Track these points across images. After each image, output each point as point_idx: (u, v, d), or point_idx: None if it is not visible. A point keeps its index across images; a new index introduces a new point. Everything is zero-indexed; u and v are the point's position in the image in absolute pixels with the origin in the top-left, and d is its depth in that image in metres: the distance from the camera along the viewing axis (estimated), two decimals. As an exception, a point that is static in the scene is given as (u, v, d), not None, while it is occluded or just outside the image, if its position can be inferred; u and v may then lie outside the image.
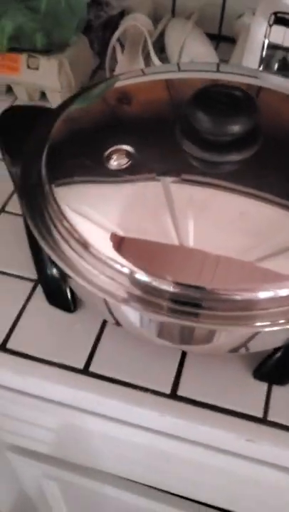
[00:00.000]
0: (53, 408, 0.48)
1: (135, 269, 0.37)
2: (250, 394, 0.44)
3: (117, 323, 0.42)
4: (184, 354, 0.46)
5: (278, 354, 0.43)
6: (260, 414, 0.43)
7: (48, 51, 0.65)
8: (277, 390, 0.44)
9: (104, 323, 0.47)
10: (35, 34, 0.63)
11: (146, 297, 0.37)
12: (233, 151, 0.40)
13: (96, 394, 0.44)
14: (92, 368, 0.45)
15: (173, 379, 0.44)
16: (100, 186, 0.42)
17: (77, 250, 0.39)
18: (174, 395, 0.44)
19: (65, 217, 0.40)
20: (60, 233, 0.40)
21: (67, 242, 0.39)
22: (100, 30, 0.74)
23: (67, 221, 0.39)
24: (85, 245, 0.38)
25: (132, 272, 0.37)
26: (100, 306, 0.41)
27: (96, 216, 0.39)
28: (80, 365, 0.45)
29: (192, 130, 0.40)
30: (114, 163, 0.41)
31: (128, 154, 0.42)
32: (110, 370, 0.45)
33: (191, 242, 0.38)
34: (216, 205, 0.39)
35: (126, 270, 0.37)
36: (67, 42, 0.66)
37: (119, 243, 0.38)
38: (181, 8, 0.80)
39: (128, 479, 0.62)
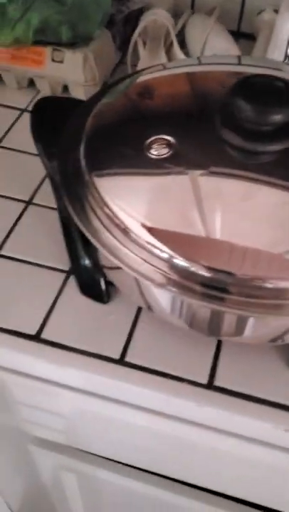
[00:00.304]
0: (87, 399, 0.48)
1: (174, 254, 0.37)
2: (287, 384, 0.44)
3: (153, 309, 0.43)
4: (219, 343, 0.46)
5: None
6: (297, 404, 0.43)
7: (72, 44, 0.65)
8: (312, 380, 0.44)
9: (138, 313, 0.48)
10: (61, 27, 0.63)
11: (183, 282, 0.37)
12: (275, 140, 0.40)
13: (133, 384, 0.44)
14: (127, 358, 0.45)
15: (209, 369, 0.45)
16: (139, 176, 0.42)
17: (117, 236, 0.39)
18: (210, 385, 0.44)
19: (106, 205, 0.40)
20: (100, 220, 0.40)
21: (107, 228, 0.40)
22: (122, 25, 0.74)
23: (109, 208, 0.40)
24: (125, 231, 0.39)
25: (170, 257, 0.37)
26: (136, 291, 0.41)
27: (136, 204, 0.40)
28: (116, 355, 0.45)
29: (233, 120, 0.40)
30: (154, 152, 0.41)
31: (168, 144, 0.42)
32: (146, 360, 0.45)
33: (230, 231, 0.38)
34: (257, 195, 0.40)
35: (165, 255, 0.37)
36: (92, 35, 0.66)
37: (158, 230, 0.38)
38: (201, 3, 0.80)
39: (153, 473, 0.62)
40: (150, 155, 0.41)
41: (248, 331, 0.41)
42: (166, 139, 0.42)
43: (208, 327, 0.42)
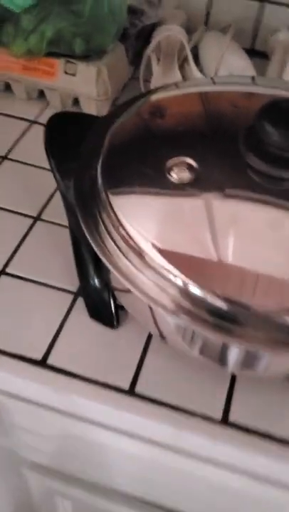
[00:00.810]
0: (94, 429, 0.46)
1: (189, 281, 0.35)
2: (306, 421, 0.42)
3: (165, 337, 0.41)
4: (234, 375, 0.44)
5: None
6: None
7: (85, 57, 0.63)
8: None
9: (148, 340, 0.45)
10: (75, 39, 0.61)
11: (196, 312, 0.35)
12: None
13: (142, 416, 0.42)
14: (138, 388, 0.43)
15: (224, 403, 0.42)
16: (158, 198, 0.40)
17: (131, 259, 0.37)
18: (225, 421, 0.42)
19: (121, 225, 0.38)
20: (115, 242, 0.38)
21: (121, 251, 0.38)
22: (134, 40, 0.72)
23: (124, 229, 0.38)
24: (139, 254, 0.37)
25: (184, 283, 0.35)
26: (148, 317, 0.39)
27: (153, 227, 0.38)
28: (126, 385, 0.43)
29: (259, 144, 0.39)
30: (174, 175, 0.39)
31: (189, 167, 0.40)
32: (157, 391, 0.43)
33: (249, 260, 0.36)
34: (282, 224, 0.38)
35: (179, 282, 0.35)
36: (106, 48, 0.64)
37: (175, 256, 0.36)
38: (215, 20, 0.79)
39: (156, 505, 0.59)
40: (170, 177, 0.39)
41: (261, 366, 0.39)
42: (187, 162, 0.40)
43: (221, 359, 0.40)
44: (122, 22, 0.65)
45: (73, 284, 0.48)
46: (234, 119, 0.45)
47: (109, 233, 0.39)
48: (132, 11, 0.73)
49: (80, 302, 0.48)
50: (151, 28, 0.75)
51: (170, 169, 0.40)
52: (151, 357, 0.44)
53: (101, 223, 0.39)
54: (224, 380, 0.43)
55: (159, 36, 0.70)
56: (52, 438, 0.51)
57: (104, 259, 0.38)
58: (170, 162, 0.40)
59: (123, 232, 0.38)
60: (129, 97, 0.49)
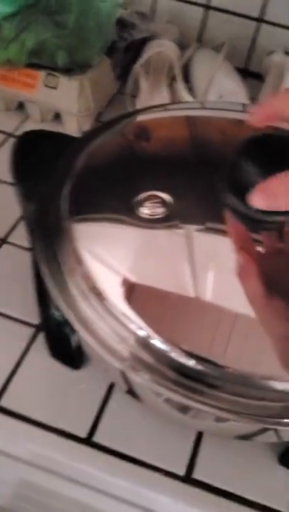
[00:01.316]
0: (47, 477, 0.42)
1: (151, 331, 0.32)
2: (276, 483, 0.38)
3: (127, 391, 0.37)
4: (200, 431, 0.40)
5: (311, 442, 0.38)
6: (286, 509, 0.37)
7: (68, 70, 0.60)
8: (305, 480, 0.39)
9: (111, 385, 0.42)
10: (58, 51, 0.58)
11: (156, 365, 0.32)
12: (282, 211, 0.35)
13: (99, 469, 0.38)
14: (96, 438, 0.39)
15: (188, 459, 0.39)
16: (126, 234, 0.36)
17: (89, 301, 0.34)
18: (188, 478, 0.38)
19: (82, 262, 0.34)
20: (72, 279, 0.35)
21: (79, 289, 0.34)
22: (122, 53, 0.69)
23: (84, 266, 0.34)
24: (99, 296, 0.33)
25: (147, 336, 0.32)
26: (107, 368, 0.36)
27: (117, 267, 0.34)
28: (83, 433, 0.40)
29: (237, 182, 0.35)
30: (146, 210, 0.36)
31: (162, 201, 0.37)
32: (117, 442, 0.39)
33: (217, 312, 0.33)
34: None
35: (140, 332, 0.32)
36: (90, 62, 0.61)
37: (139, 301, 0.33)
38: (209, 37, 0.76)
39: None
40: (141, 213, 0.36)
41: (226, 428, 0.36)
42: (160, 196, 0.37)
43: (180, 417, 0.37)
44: (109, 35, 0.62)
45: (36, 317, 0.45)
46: (220, 149, 0.42)
47: (68, 270, 0.35)
48: (122, 24, 0.70)
49: (42, 338, 0.44)
50: (142, 42, 0.72)
51: (142, 203, 0.36)
52: (114, 404, 0.41)
53: (61, 258, 0.36)
54: (191, 434, 0.40)
55: (149, 52, 0.67)
56: (7, 483, 0.47)
57: (57, 299, 0.34)
58: (142, 195, 0.37)
59: (83, 270, 0.34)
60: (115, 113, 0.46)
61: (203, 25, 0.76)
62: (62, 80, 0.59)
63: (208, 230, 0.36)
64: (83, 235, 0.36)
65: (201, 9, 0.74)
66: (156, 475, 0.38)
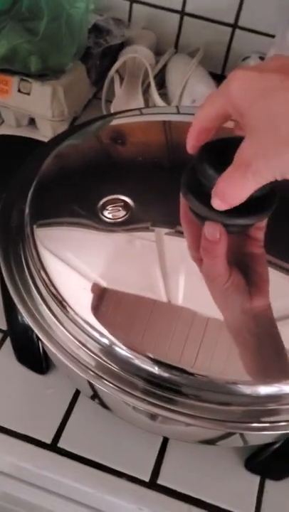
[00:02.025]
0: (11, 484, 0.42)
1: (113, 339, 0.32)
2: (241, 487, 0.38)
3: (92, 397, 0.37)
4: (166, 437, 0.40)
5: (274, 446, 0.37)
6: (250, 513, 0.37)
7: (42, 76, 0.60)
8: (271, 484, 0.39)
9: (78, 391, 0.42)
10: (30, 57, 0.58)
11: (120, 372, 0.32)
12: (244, 214, 0.35)
13: (63, 475, 0.38)
14: (61, 444, 0.39)
15: (153, 464, 0.39)
16: (88, 239, 0.36)
17: (52, 307, 0.34)
18: (153, 484, 0.38)
19: (44, 268, 0.34)
20: (35, 285, 0.35)
21: (42, 296, 0.34)
22: (98, 59, 0.69)
23: (46, 273, 0.34)
24: (61, 303, 0.33)
25: (110, 343, 0.31)
26: (72, 376, 0.36)
27: (78, 273, 0.34)
28: (48, 439, 0.39)
29: (199, 186, 0.35)
30: (108, 214, 0.36)
31: (125, 206, 0.37)
32: (82, 447, 0.39)
33: (180, 318, 0.33)
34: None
35: (103, 340, 0.32)
36: (64, 68, 0.61)
37: (99, 307, 0.33)
38: (185, 43, 0.77)
39: None
40: (103, 216, 0.36)
41: (191, 434, 0.36)
42: (123, 200, 0.37)
43: (145, 423, 0.36)
44: (82, 41, 0.62)
45: (3, 323, 0.45)
46: (185, 156, 0.42)
47: (31, 276, 0.35)
48: (98, 30, 0.70)
49: (9, 342, 0.44)
50: (119, 48, 0.72)
51: (104, 207, 0.36)
52: (80, 409, 0.41)
53: (24, 261, 0.36)
54: (155, 441, 0.40)
55: (123, 57, 0.68)
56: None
57: (19, 306, 0.34)
58: (105, 199, 0.37)
59: (45, 276, 0.34)
60: (90, 118, 0.46)
61: (179, 31, 0.76)
62: (35, 86, 0.59)
63: (171, 233, 0.36)
64: (46, 239, 0.36)
65: (176, 15, 0.74)
66: (121, 481, 0.38)
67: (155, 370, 0.31)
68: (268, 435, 0.34)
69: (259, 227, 0.34)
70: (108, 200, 0.37)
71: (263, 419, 0.31)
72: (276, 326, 0.32)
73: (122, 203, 0.37)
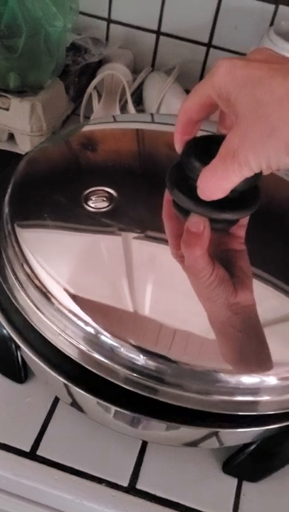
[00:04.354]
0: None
1: (96, 326, 0.32)
2: (219, 490, 0.39)
3: (71, 404, 0.37)
4: (145, 441, 0.40)
5: (251, 448, 0.38)
6: (228, 516, 0.38)
7: (21, 92, 0.61)
8: (248, 486, 0.39)
9: (56, 399, 0.42)
10: (9, 73, 0.60)
11: (105, 363, 0.32)
12: (228, 209, 0.33)
13: (42, 483, 0.38)
14: (40, 451, 0.39)
15: (132, 469, 0.39)
16: (70, 231, 0.36)
17: (34, 299, 0.34)
18: (132, 488, 0.38)
19: (26, 261, 0.34)
20: (18, 280, 0.35)
21: (24, 289, 0.34)
22: (77, 76, 0.71)
23: (29, 265, 0.34)
24: (45, 295, 0.33)
25: (94, 332, 0.32)
26: (50, 382, 0.36)
27: (61, 264, 0.34)
28: (27, 447, 0.39)
29: (184, 181, 0.35)
30: (91, 204, 0.36)
31: (109, 197, 0.37)
32: (60, 454, 0.39)
33: (161, 306, 0.33)
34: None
35: (87, 328, 0.32)
36: (42, 85, 0.62)
37: (85, 298, 0.33)
38: (161, 61, 0.79)
39: None
40: (87, 207, 0.36)
41: (173, 435, 0.36)
42: (106, 191, 0.37)
43: (124, 428, 0.37)
44: (61, 59, 0.64)
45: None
46: (164, 154, 0.43)
47: (13, 270, 0.35)
48: (76, 49, 0.72)
49: (-12, 352, 0.44)
50: (98, 66, 0.74)
51: (87, 198, 0.37)
52: (59, 417, 0.41)
53: (5, 257, 0.36)
54: (134, 446, 0.40)
55: (101, 74, 0.69)
56: None
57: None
58: (87, 191, 0.37)
59: (28, 269, 0.34)
60: None
61: (155, 50, 0.78)
62: (14, 101, 0.60)
63: (154, 227, 0.36)
64: (26, 234, 0.36)
65: (152, 35, 0.77)
66: (101, 487, 0.38)
67: (138, 357, 0.31)
68: (244, 433, 0.34)
69: (241, 225, 0.34)
70: (89, 192, 0.37)
71: (241, 413, 0.31)
72: (259, 320, 0.32)
73: (106, 195, 0.37)
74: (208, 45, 0.76)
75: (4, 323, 0.36)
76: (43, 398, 0.42)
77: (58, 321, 0.33)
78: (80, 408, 0.37)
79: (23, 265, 0.35)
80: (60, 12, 0.59)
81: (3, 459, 0.39)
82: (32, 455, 0.39)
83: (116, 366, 0.32)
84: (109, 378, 0.32)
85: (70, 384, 0.34)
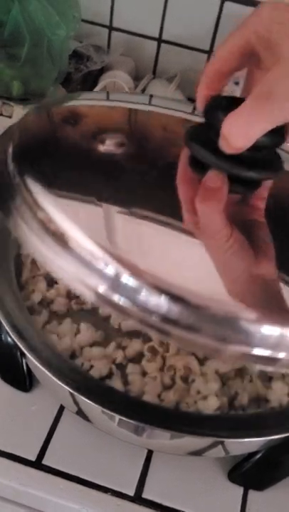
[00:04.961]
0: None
1: (117, 266, 0.29)
2: (225, 499, 0.39)
3: (76, 413, 0.37)
4: (150, 450, 0.40)
5: (256, 456, 0.38)
6: (234, 525, 0.38)
7: (23, 100, 0.62)
8: (254, 494, 0.39)
9: (62, 407, 0.42)
10: (12, 82, 0.60)
11: (126, 306, 0.29)
12: (251, 167, 0.29)
13: (48, 492, 0.38)
14: (45, 461, 0.39)
15: (138, 479, 0.39)
16: (80, 175, 0.34)
17: (52, 246, 0.31)
18: (138, 498, 0.38)
19: (40, 207, 0.32)
20: (33, 230, 0.32)
21: (42, 238, 0.31)
22: (79, 84, 0.71)
23: (44, 211, 0.31)
24: (61, 239, 0.30)
25: (115, 272, 0.29)
26: (56, 391, 0.36)
27: (79, 206, 0.32)
28: (32, 456, 0.39)
29: (205, 135, 0.30)
30: (105, 146, 0.36)
31: (121, 143, 0.36)
32: (66, 464, 0.39)
33: (184, 246, 0.31)
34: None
35: (107, 270, 0.29)
36: (45, 92, 0.63)
37: (102, 237, 0.30)
38: (163, 69, 0.79)
39: None
40: (100, 147, 0.35)
41: (178, 443, 0.36)
42: (120, 137, 0.36)
43: (130, 437, 0.37)
44: (63, 67, 0.64)
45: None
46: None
47: (26, 222, 0.32)
48: (78, 56, 0.72)
49: (-7, 360, 0.44)
50: (99, 73, 0.74)
51: (100, 142, 0.36)
52: (64, 426, 0.41)
53: (16, 213, 0.33)
54: (140, 455, 0.40)
55: (103, 81, 0.70)
56: None
57: (3, 321, 0.34)
58: (99, 136, 0.36)
59: (42, 215, 0.31)
60: None
61: (156, 57, 0.78)
62: (17, 109, 0.61)
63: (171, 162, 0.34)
64: (37, 182, 0.33)
65: (154, 42, 0.77)
66: (106, 496, 0.38)
67: (156, 297, 0.29)
68: (249, 443, 0.34)
69: (261, 197, 0.31)
70: (104, 136, 0.36)
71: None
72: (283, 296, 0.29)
73: (120, 140, 0.37)
74: (210, 52, 0.76)
75: (9, 330, 0.36)
76: (48, 407, 0.42)
77: (77, 266, 0.30)
78: (85, 417, 0.38)
79: (36, 213, 0.32)
80: (62, 20, 0.59)
81: (8, 468, 0.39)
82: (37, 464, 0.39)
83: (135, 309, 0.29)
84: (126, 318, 0.29)
85: (75, 393, 0.34)
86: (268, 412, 0.38)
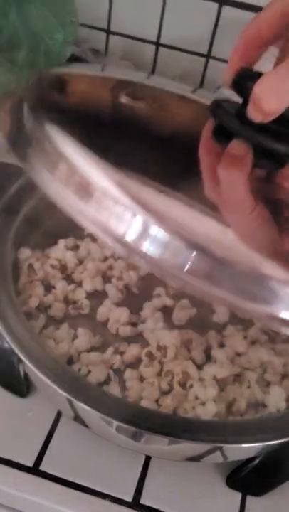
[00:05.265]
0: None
1: (144, 214, 0.28)
2: (223, 504, 0.39)
3: (74, 418, 0.37)
4: (148, 456, 0.40)
5: (255, 462, 0.38)
6: (232, 531, 0.37)
7: (21, 104, 0.62)
8: (252, 500, 0.39)
9: (59, 413, 0.42)
10: (10, 85, 0.60)
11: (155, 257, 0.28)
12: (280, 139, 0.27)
13: (46, 498, 0.38)
14: (42, 467, 0.39)
15: (136, 484, 0.39)
16: (100, 125, 0.34)
17: (77, 195, 0.30)
18: (136, 504, 0.38)
19: (62, 155, 0.31)
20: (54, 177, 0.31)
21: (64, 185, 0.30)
22: (77, 87, 0.72)
23: (66, 160, 0.30)
24: (88, 187, 0.29)
25: (143, 220, 0.28)
26: (53, 396, 0.36)
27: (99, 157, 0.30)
28: (29, 462, 0.39)
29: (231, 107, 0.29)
30: (125, 99, 0.35)
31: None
32: (63, 469, 0.39)
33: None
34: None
35: (135, 219, 0.28)
36: (43, 97, 0.63)
37: (131, 187, 0.29)
38: (161, 73, 0.79)
39: None
40: (120, 100, 0.35)
41: (175, 449, 0.36)
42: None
43: (128, 442, 0.37)
44: (61, 71, 0.64)
45: (-16, 346, 0.45)
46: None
47: (48, 170, 0.31)
48: (76, 60, 0.72)
49: (-10, 366, 0.44)
50: (97, 77, 0.75)
51: (119, 94, 0.35)
52: (61, 431, 0.41)
53: (37, 162, 0.31)
54: (138, 461, 0.40)
55: (101, 86, 0.70)
56: None
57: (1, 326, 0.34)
58: (117, 88, 0.36)
59: (64, 165, 0.30)
60: None
61: (154, 61, 0.79)
62: (15, 113, 0.61)
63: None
64: (59, 131, 0.32)
65: (152, 46, 0.77)
66: (104, 502, 0.38)
67: (183, 247, 0.28)
68: (248, 448, 0.34)
69: (287, 175, 0.28)
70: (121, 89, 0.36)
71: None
72: None
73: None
74: (208, 56, 0.76)
75: (6, 336, 0.36)
76: (45, 412, 0.41)
77: (104, 214, 0.29)
78: (82, 423, 0.37)
79: (58, 163, 0.31)
80: (60, 25, 0.59)
81: (5, 474, 0.38)
82: (35, 470, 0.39)
83: (160, 261, 0.28)
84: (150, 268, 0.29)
85: (72, 398, 0.34)
86: (266, 418, 0.38)
